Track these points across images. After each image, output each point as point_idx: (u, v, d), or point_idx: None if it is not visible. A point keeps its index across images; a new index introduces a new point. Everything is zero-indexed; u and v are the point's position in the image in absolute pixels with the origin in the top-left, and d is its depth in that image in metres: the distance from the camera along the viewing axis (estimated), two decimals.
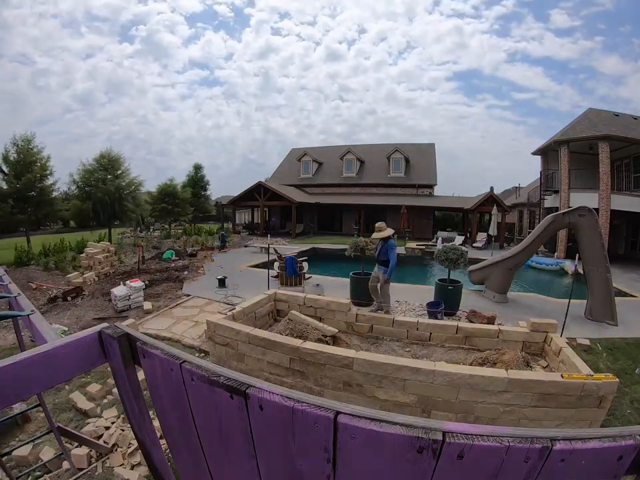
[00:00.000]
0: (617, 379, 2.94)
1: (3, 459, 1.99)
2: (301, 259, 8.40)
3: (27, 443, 2.52)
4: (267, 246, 10.32)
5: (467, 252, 6.55)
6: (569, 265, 10.83)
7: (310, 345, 3.61)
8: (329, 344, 4.51)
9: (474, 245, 17.02)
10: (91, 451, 2.67)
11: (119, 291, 6.45)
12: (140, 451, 1.27)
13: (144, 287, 7.19)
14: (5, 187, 13.51)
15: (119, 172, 17.93)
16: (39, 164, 14.14)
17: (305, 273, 7.87)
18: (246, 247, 15.93)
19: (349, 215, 23.42)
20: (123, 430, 2.93)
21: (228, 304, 6.77)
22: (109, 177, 17.17)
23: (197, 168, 28.44)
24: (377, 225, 6.34)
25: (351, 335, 4.97)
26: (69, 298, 7.14)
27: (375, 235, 6.17)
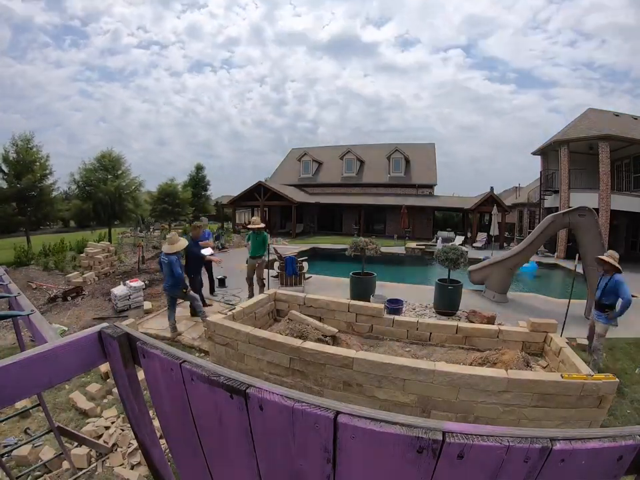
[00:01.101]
0: (617, 379, 2.94)
1: (3, 458, 1.99)
2: (301, 258, 8.40)
3: (27, 443, 2.52)
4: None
5: (467, 252, 6.55)
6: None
7: (310, 345, 3.61)
8: (328, 344, 4.51)
9: (474, 244, 17.03)
10: (90, 450, 2.68)
11: (118, 290, 6.45)
12: (140, 450, 1.27)
13: (144, 286, 7.19)
14: (5, 187, 13.50)
15: (120, 172, 17.93)
16: (38, 164, 14.13)
17: (305, 273, 7.87)
18: (246, 246, 15.90)
19: (349, 214, 23.42)
20: (122, 430, 2.94)
21: (227, 303, 6.77)
22: (109, 176, 17.16)
23: (199, 168, 28.45)
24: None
25: (350, 334, 4.97)
26: (69, 298, 7.14)
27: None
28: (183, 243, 5.20)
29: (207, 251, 6.39)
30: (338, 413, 0.54)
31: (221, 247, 15.00)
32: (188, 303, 5.72)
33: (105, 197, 16.28)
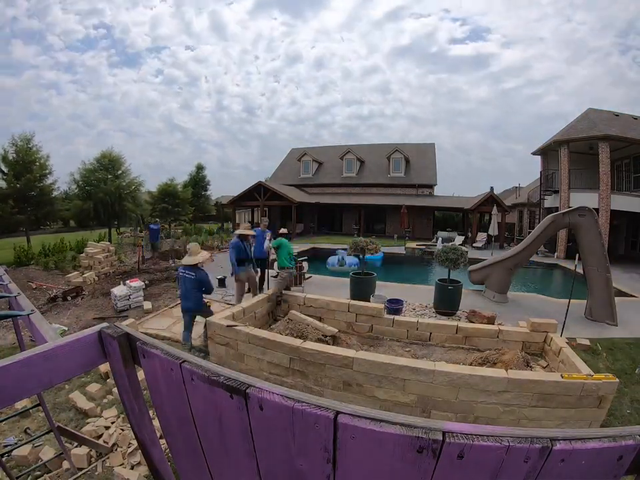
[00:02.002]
0: (617, 379, 2.94)
1: (3, 458, 1.99)
2: (301, 258, 8.40)
3: (27, 443, 2.52)
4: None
5: (467, 252, 6.55)
6: None
7: (310, 345, 3.61)
8: (328, 344, 4.52)
9: (474, 244, 17.02)
10: (90, 450, 2.67)
11: (118, 290, 6.45)
12: (140, 450, 1.27)
13: (144, 286, 7.19)
14: (4, 186, 13.50)
15: (119, 172, 17.93)
16: (38, 163, 14.13)
17: (305, 273, 7.87)
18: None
19: (349, 214, 23.41)
20: (122, 430, 2.93)
21: (227, 303, 6.77)
22: (109, 176, 17.17)
23: (199, 168, 28.45)
24: None
25: (350, 334, 4.97)
26: (69, 298, 7.14)
27: None
28: (205, 254, 4.86)
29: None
30: (338, 413, 0.54)
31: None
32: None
33: (105, 197, 16.28)
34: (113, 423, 3.07)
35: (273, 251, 8.22)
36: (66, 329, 5.41)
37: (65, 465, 2.53)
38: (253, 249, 6.49)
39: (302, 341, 3.78)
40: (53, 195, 15.35)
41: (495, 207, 16.29)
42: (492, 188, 18.20)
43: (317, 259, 13.31)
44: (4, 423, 2.86)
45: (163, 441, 1.06)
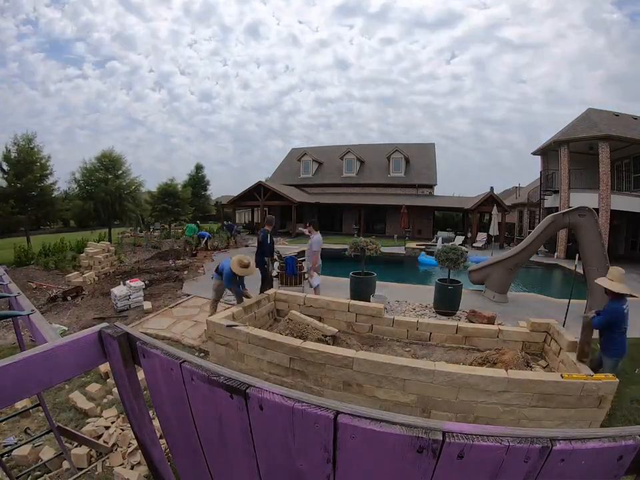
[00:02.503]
0: (617, 379, 2.94)
1: (3, 458, 1.99)
2: (301, 258, 8.39)
3: (27, 443, 2.52)
4: None
5: (467, 252, 6.55)
6: None
7: (310, 345, 3.61)
8: (329, 344, 4.51)
9: (474, 244, 17.02)
10: (90, 450, 2.68)
11: (118, 290, 6.45)
12: (140, 450, 1.28)
13: (144, 286, 7.19)
14: (5, 186, 13.50)
15: (120, 172, 17.93)
16: (39, 164, 14.13)
17: (304, 273, 7.85)
18: (247, 246, 15.92)
19: (349, 214, 23.42)
20: (122, 430, 2.94)
21: (227, 303, 6.77)
22: (109, 176, 17.17)
23: (198, 168, 28.45)
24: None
25: (350, 334, 4.97)
26: (69, 298, 7.14)
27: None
28: (252, 269, 5.31)
29: None
30: (338, 412, 0.54)
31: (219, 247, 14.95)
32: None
33: (105, 197, 16.29)
34: (112, 422, 3.07)
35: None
36: (66, 328, 5.41)
37: (65, 464, 2.53)
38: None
39: (302, 340, 3.78)
40: (53, 195, 15.35)
41: (494, 206, 16.29)
42: (492, 188, 18.21)
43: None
44: (4, 422, 2.86)
45: (162, 441, 1.06)
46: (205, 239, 14.61)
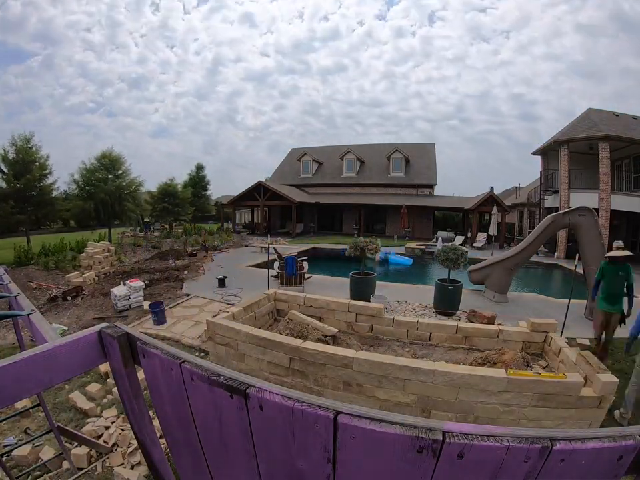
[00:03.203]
0: (565, 376, 2.94)
1: (3, 458, 1.99)
2: (301, 258, 8.40)
3: (27, 443, 2.52)
4: (267, 246, 10.33)
5: (467, 252, 6.55)
6: None
7: (310, 345, 3.61)
8: (329, 344, 4.52)
9: (474, 244, 17.02)
10: (90, 450, 2.68)
11: (118, 290, 6.45)
12: (140, 450, 1.28)
13: (144, 286, 7.20)
14: (4, 186, 13.50)
15: (120, 172, 17.93)
16: (37, 163, 14.13)
17: (304, 273, 7.87)
18: (246, 246, 15.93)
19: (349, 214, 23.42)
20: (122, 430, 2.94)
21: (227, 303, 6.77)
22: (109, 176, 17.17)
23: (199, 168, 28.44)
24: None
25: (350, 334, 4.97)
26: (69, 298, 7.14)
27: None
28: None
29: None
30: (338, 412, 0.54)
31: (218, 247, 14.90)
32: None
33: (105, 197, 16.29)
34: (112, 422, 3.07)
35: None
36: (66, 328, 5.41)
37: (65, 464, 2.53)
38: None
39: (302, 340, 3.78)
40: (53, 195, 15.34)
41: (494, 206, 16.30)
42: (492, 188, 18.22)
43: (317, 258, 13.33)
44: (4, 422, 2.86)
45: (162, 441, 1.06)
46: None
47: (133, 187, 18.41)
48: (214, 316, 4.95)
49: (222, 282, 8.11)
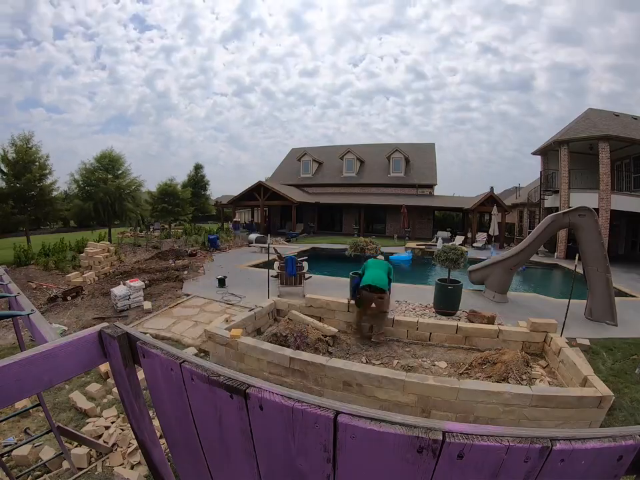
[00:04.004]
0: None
1: (3, 458, 1.99)
2: (301, 258, 8.40)
3: (27, 443, 2.52)
4: (267, 246, 10.33)
5: (467, 252, 6.55)
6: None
7: (303, 357, 3.66)
8: (329, 344, 4.52)
9: (474, 244, 17.02)
10: (90, 450, 2.68)
11: (118, 290, 6.45)
12: (140, 450, 1.28)
13: (144, 286, 7.19)
14: (4, 186, 13.49)
15: (120, 172, 17.92)
16: (37, 163, 14.12)
17: (304, 273, 7.86)
18: (248, 245, 15.93)
19: (349, 214, 23.41)
20: (122, 430, 2.94)
21: (227, 303, 6.77)
22: (109, 176, 17.16)
23: (198, 168, 28.44)
24: None
25: (350, 334, 4.97)
26: (69, 297, 7.14)
27: None
28: None
29: None
30: (338, 412, 0.54)
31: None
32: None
33: (105, 197, 16.28)
34: (112, 423, 3.07)
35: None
36: (66, 328, 5.40)
37: (65, 464, 2.53)
38: None
39: (292, 350, 3.87)
40: (53, 195, 15.33)
41: (495, 206, 16.30)
42: (492, 188, 18.22)
43: (317, 258, 13.33)
44: (4, 422, 2.86)
45: (162, 441, 1.06)
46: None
47: (133, 187, 18.40)
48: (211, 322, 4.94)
49: (222, 282, 8.11)
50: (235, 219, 22.34)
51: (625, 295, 8.06)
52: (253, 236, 15.99)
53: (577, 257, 5.58)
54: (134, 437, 1.15)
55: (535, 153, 17.54)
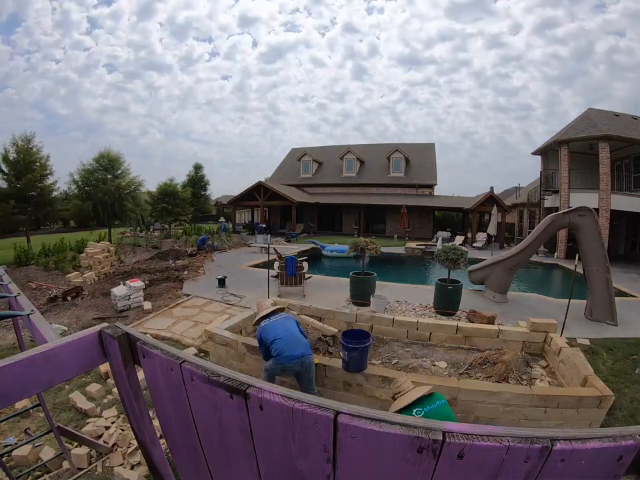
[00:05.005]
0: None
1: (3, 458, 1.99)
2: (301, 258, 8.40)
3: (27, 443, 2.52)
4: (267, 246, 10.33)
5: (467, 252, 6.55)
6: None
7: None
8: (329, 344, 4.52)
9: (474, 244, 17.02)
10: (90, 450, 2.68)
11: (118, 290, 6.45)
12: (140, 450, 1.28)
13: (144, 286, 7.19)
14: (5, 186, 13.50)
15: (119, 172, 17.92)
16: (38, 164, 14.13)
17: (305, 273, 7.86)
18: (248, 246, 15.93)
19: (349, 214, 23.41)
20: (122, 430, 2.94)
21: (227, 303, 6.77)
22: (108, 176, 17.17)
23: (197, 168, 28.44)
24: None
25: None
26: (69, 298, 7.14)
27: None
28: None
29: None
30: (338, 412, 0.54)
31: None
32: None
33: (104, 197, 16.28)
34: (113, 423, 3.07)
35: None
36: (66, 328, 5.40)
37: (65, 464, 2.53)
38: None
39: None
40: (53, 195, 15.34)
41: (494, 206, 16.30)
42: (492, 188, 18.22)
43: (317, 258, 13.33)
44: (4, 422, 2.86)
45: (162, 441, 1.06)
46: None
47: (133, 187, 18.40)
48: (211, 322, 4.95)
49: (222, 282, 8.11)
50: (220, 220, 22.51)
51: (625, 294, 8.06)
52: (260, 238, 15.77)
53: (577, 257, 5.58)
54: (134, 437, 1.15)
55: (535, 153, 17.54)
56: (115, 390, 3.56)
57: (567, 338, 4.53)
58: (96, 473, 2.52)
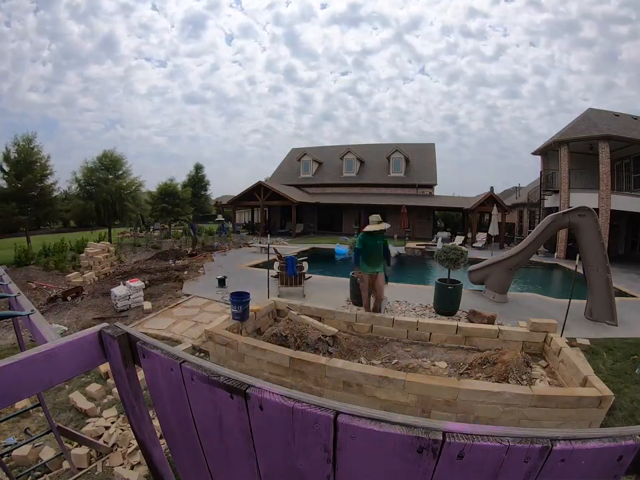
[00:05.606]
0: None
1: (3, 458, 1.99)
2: (301, 258, 8.40)
3: (27, 443, 2.52)
4: (267, 246, 10.33)
5: (467, 252, 6.55)
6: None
7: (303, 357, 3.67)
8: (329, 344, 4.52)
9: (474, 244, 17.02)
10: (90, 450, 2.68)
11: (118, 290, 6.45)
12: (140, 450, 1.28)
13: (144, 286, 7.19)
14: (5, 186, 13.51)
15: (120, 172, 17.95)
16: (39, 164, 14.14)
17: (305, 273, 7.86)
18: (249, 246, 15.93)
19: (349, 214, 23.41)
20: (122, 430, 2.94)
21: (227, 303, 6.77)
22: (110, 176, 17.19)
23: (198, 168, 28.47)
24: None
25: (350, 334, 4.97)
26: (69, 298, 7.14)
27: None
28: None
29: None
30: (338, 412, 0.54)
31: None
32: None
33: (106, 197, 16.31)
34: (113, 423, 3.07)
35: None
36: (66, 328, 5.40)
37: (65, 464, 2.53)
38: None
39: (292, 350, 3.89)
40: (53, 195, 15.36)
41: (495, 206, 16.29)
42: (492, 188, 18.21)
43: (317, 259, 13.33)
44: (4, 422, 2.86)
45: (162, 441, 1.06)
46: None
47: (134, 187, 18.42)
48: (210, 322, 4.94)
49: (222, 282, 8.11)
50: (218, 218, 22.61)
51: (625, 294, 8.06)
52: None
53: (577, 257, 5.58)
54: (134, 437, 1.15)
55: (535, 153, 17.54)
56: (114, 390, 3.55)
57: (567, 338, 4.53)
58: (96, 473, 2.52)
